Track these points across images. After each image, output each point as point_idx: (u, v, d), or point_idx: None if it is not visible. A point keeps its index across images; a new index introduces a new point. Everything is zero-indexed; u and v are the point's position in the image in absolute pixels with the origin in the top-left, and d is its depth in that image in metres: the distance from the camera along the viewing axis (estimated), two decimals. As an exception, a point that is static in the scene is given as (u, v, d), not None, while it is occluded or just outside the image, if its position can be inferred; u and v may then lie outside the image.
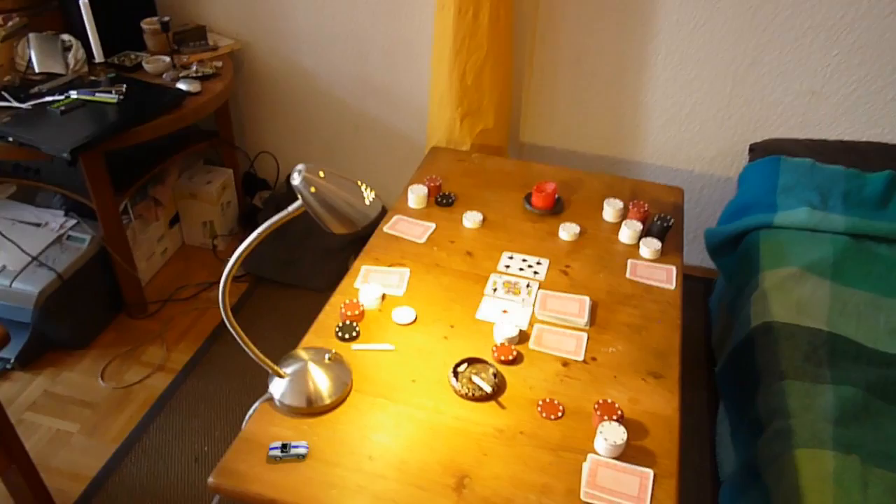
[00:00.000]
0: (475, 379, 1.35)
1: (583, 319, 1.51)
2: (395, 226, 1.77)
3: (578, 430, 1.29)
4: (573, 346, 1.46)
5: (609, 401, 1.32)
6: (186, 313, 2.40)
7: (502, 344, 1.44)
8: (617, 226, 1.80)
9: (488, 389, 1.33)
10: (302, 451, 1.23)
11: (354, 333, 1.45)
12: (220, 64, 2.38)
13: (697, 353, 2.33)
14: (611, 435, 1.24)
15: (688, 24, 2.15)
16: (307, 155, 2.77)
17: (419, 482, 1.19)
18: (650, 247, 1.70)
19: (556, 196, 1.85)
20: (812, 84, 2.16)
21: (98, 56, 2.29)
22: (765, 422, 1.63)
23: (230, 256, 1.18)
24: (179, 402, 2.10)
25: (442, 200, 1.85)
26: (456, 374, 1.37)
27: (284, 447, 1.23)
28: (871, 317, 1.79)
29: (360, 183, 1.18)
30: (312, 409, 1.30)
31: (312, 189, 1.11)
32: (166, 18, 2.31)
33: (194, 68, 2.31)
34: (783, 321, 1.79)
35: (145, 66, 2.29)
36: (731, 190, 2.38)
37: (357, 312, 1.49)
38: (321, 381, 1.32)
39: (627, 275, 1.66)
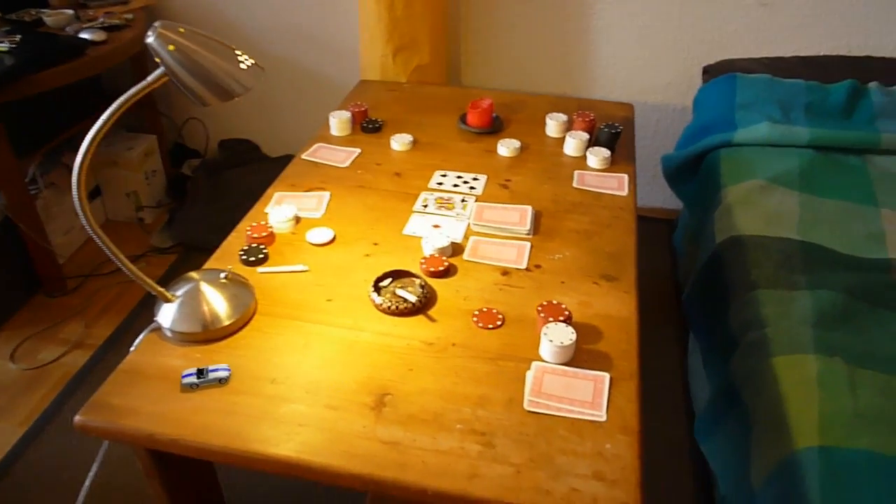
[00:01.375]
0: (399, 291, 1.14)
1: (525, 228, 1.31)
2: (316, 153, 1.57)
3: (521, 339, 1.09)
4: (514, 255, 1.26)
5: (555, 302, 1.12)
6: (110, 288, 2.16)
7: (431, 255, 1.23)
8: (561, 140, 1.61)
9: (413, 299, 1.12)
10: (223, 374, 1.02)
11: (261, 256, 1.24)
12: (130, 16, 2.16)
13: (666, 295, 2.14)
14: (557, 336, 1.04)
15: (629, -61, 1.98)
16: (239, 117, 2.56)
17: (330, 402, 0.98)
18: (598, 155, 1.51)
19: (494, 114, 1.66)
20: (763, -5, 2.00)
21: (-7, 11, 2.06)
22: (738, 337, 1.44)
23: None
24: (98, 379, 1.85)
25: (368, 126, 1.64)
26: (378, 289, 1.16)
27: (201, 372, 1.01)
28: (846, 224, 1.62)
29: (233, 47, 0.98)
30: (208, 333, 1.08)
31: (171, 47, 0.90)
32: (68, -33, 2.09)
33: (101, 20, 2.09)
34: (751, 233, 1.61)
35: (46, 20, 2.06)
36: (688, 120, 2.20)
37: (265, 234, 1.28)
38: (217, 303, 1.10)
39: (575, 184, 1.46)
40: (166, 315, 1.10)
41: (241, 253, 1.24)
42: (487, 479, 0.88)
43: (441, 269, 1.20)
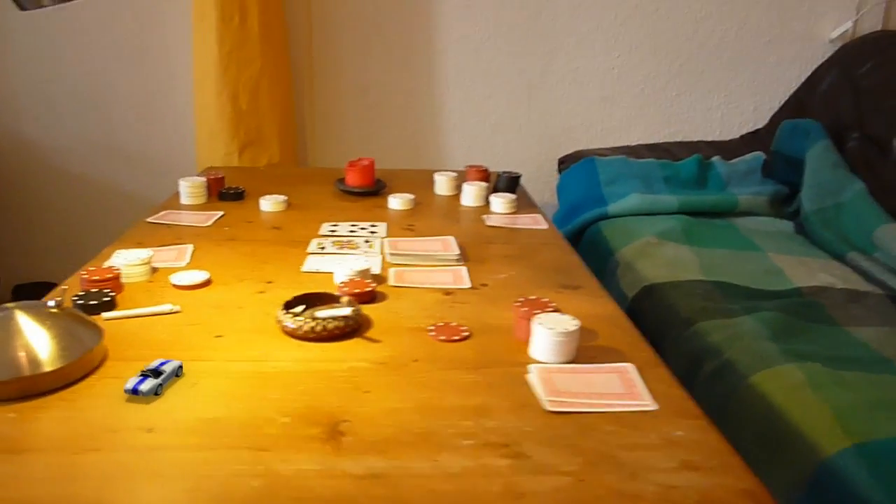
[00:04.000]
0: (322, 313, 0.80)
1: (453, 253, 1.05)
2: (165, 217, 1.21)
3: (499, 345, 0.79)
4: (450, 278, 0.98)
5: (532, 297, 0.84)
6: None
7: (351, 279, 0.91)
8: (454, 198, 1.41)
9: (347, 312, 0.78)
10: (175, 364, 0.70)
11: (106, 300, 0.84)
12: None
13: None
14: (557, 323, 0.75)
15: (473, 39, 1.97)
16: (38, 256, 2.07)
17: (255, 442, 0.59)
18: (503, 199, 1.31)
19: (375, 178, 1.43)
20: (602, 90, 2.05)
21: None
22: (690, 376, 1.23)
23: None
24: None
25: (229, 192, 1.33)
26: (290, 314, 0.81)
27: (155, 373, 0.67)
28: (741, 266, 1.55)
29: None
30: (24, 383, 0.66)
31: None
32: None
33: None
34: (662, 281, 1.47)
35: None
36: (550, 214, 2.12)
37: (109, 277, 0.88)
38: (40, 341, 0.69)
39: (487, 223, 1.24)
40: (-50, 367, 0.66)
41: (76, 298, 0.83)
42: (540, 496, 0.54)
43: (367, 290, 0.88)
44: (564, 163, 2.05)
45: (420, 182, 1.48)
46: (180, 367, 0.70)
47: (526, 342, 0.78)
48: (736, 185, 1.94)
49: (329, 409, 0.65)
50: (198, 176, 1.33)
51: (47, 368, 0.67)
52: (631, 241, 1.66)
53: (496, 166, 1.96)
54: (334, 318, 0.78)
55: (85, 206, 2.05)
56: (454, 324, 0.82)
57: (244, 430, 0.61)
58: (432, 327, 0.81)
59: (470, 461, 0.58)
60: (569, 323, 0.75)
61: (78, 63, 1.92)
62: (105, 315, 0.82)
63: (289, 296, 0.88)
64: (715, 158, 1.99)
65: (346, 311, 0.78)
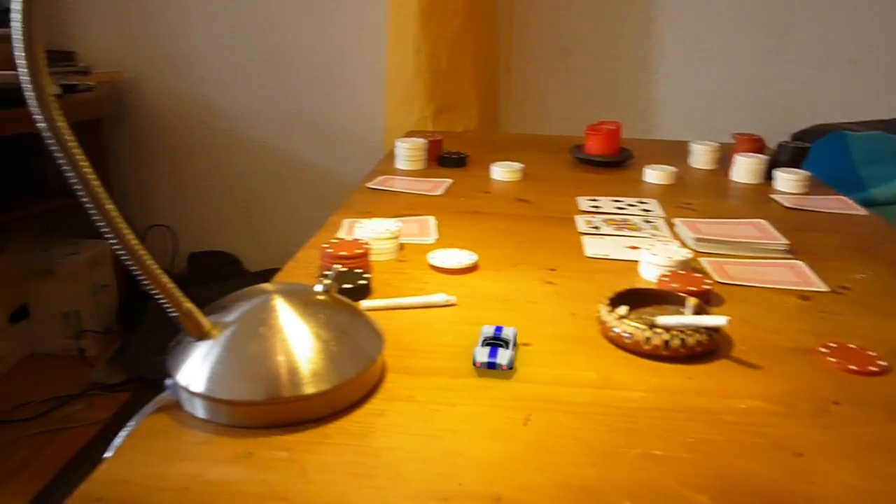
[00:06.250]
0: (667, 320, 0.55)
1: (780, 242, 0.77)
2: (385, 183, 1.01)
3: (947, 387, 0.51)
4: (790, 276, 0.71)
5: (982, 314, 0.56)
6: (29, 439, 1.42)
7: (672, 272, 0.66)
8: (715, 172, 1.12)
9: (721, 321, 0.53)
10: (512, 330, 0.56)
11: (361, 283, 0.64)
12: (92, 83, 1.63)
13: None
14: None
15: (698, -11, 1.66)
16: (216, 225, 1.97)
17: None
18: (794, 175, 1.02)
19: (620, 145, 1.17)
20: (853, 51, 1.68)
21: None
22: None
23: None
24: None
25: (451, 156, 1.11)
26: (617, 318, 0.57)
27: (498, 340, 0.54)
28: None
29: None
30: (281, 409, 0.45)
31: None
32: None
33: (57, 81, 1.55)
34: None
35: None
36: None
37: (358, 253, 0.68)
38: (303, 346, 0.48)
39: (787, 204, 0.95)
40: (194, 369, 0.47)
41: (323, 281, 0.63)
42: None
43: (704, 289, 0.63)
44: (802, 139, 1.71)
45: (665, 152, 1.21)
46: (515, 334, 0.55)
47: None
48: None
49: (758, 485, 0.40)
50: (416, 138, 1.12)
51: (323, 387, 0.46)
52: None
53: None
54: (696, 330, 0.53)
55: (262, 174, 1.92)
56: (852, 346, 0.56)
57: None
58: (825, 350, 0.55)
59: None
60: None
61: (263, 20, 1.78)
62: (363, 304, 0.61)
63: (583, 288, 0.65)
64: None
65: (720, 320, 0.53)
